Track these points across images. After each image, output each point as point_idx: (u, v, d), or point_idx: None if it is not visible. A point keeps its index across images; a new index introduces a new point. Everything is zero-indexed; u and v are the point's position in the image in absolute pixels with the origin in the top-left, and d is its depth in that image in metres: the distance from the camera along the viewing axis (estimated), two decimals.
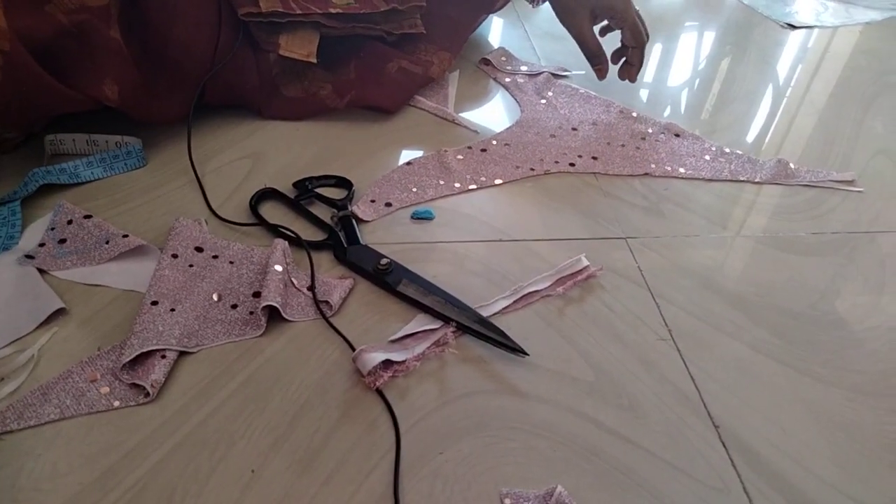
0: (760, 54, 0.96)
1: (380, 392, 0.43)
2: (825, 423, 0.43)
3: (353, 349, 0.45)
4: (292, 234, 0.54)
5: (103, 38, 0.55)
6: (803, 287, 0.54)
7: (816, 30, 1.05)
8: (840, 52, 0.98)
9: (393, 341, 0.46)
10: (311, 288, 0.50)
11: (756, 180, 0.67)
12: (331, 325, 0.47)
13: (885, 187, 0.67)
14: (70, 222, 0.54)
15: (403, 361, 0.44)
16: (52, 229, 0.53)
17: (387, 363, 0.44)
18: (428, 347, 0.46)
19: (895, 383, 0.46)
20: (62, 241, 0.52)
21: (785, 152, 0.72)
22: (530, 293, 0.51)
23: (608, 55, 0.78)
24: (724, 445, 0.41)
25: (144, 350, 0.43)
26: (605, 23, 0.79)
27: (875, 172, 0.69)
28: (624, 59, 0.78)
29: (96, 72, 0.56)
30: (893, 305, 0.53)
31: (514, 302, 0.50)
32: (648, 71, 0.89)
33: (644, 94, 0.84)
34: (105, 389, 0.42)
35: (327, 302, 0.49)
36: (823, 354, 0.48)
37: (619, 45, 0.78)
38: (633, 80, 0.78)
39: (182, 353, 0.45)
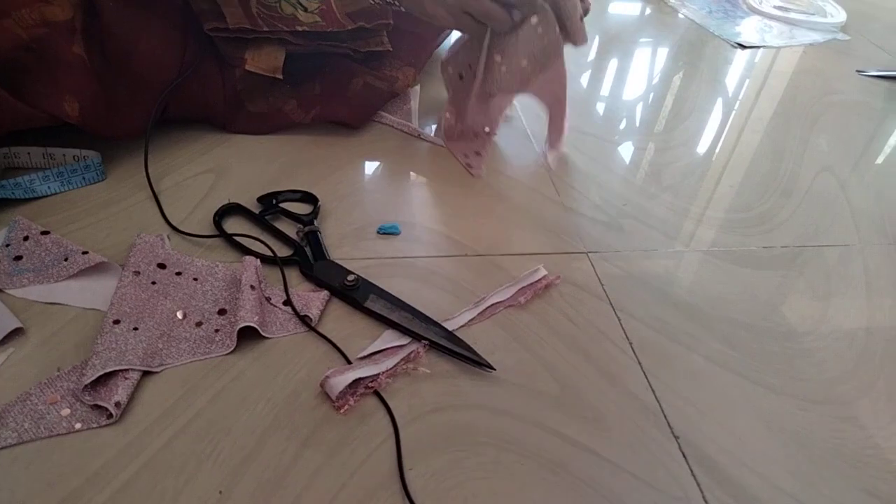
0: (712, 72, 0.99)
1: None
2: (778, 432, 0.45)
3: (345, 355, 0.46)
4: (267, 251, 0.54)
5: (64, 53, 0.53)
6: (755, 299, 0.56)
7: (762, 49, 1.09)
8: (783, 71, 1.02)
9: (361, 358, 0.47)
10: (288, 303, 0.50)
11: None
12: (321, 334, 0.48)
13: (830, 203, 0.70)
14: (26, 238, 0.52)
15: (375, 376, 0.45)
16: (7, 245, 0.52)
17: (355, 382, 0.44)
18: (398, 363, 0.46)
19: (842, 391, 0.49)
20: (18, 257, 0.51)
21: (733, 168, 0.75)
22: (494, 304, 0.52)
23: None
24: (685, 456, 0.43)
25: (107, 371, 0.42)
26: None
27: (820, 189, 0.73)
28: None
29: (56, 88, 0.54)
30: (839, 316, 0.55)
31: (479, 314, 0.51)
32: (605, 85, 0.92)
33: (601, 107, 0.86)
34: (66, 411, 0.41)
35: (307, 316, 0.49)
36: (775, 364, 0.50)
37: None
38: None
39: (146, 372, 0.44)
